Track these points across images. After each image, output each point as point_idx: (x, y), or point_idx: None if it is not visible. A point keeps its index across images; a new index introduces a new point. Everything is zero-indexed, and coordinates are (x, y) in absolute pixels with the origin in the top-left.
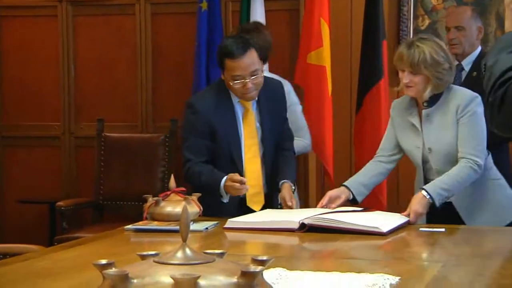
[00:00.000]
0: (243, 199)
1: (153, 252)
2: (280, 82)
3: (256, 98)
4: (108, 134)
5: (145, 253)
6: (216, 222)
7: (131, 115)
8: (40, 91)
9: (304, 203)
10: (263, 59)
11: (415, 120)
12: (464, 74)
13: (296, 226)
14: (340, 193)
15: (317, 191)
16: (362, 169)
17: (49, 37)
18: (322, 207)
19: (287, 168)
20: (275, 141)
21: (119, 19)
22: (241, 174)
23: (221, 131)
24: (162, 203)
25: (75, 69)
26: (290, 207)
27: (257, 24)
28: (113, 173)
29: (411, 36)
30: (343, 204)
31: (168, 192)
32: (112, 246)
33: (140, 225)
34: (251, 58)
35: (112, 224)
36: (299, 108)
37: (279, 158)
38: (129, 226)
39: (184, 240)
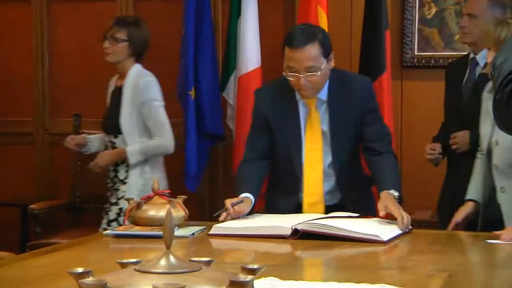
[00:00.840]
0: (299, 207)
1: (134, 260)
2: (369, 81)
3: (325, 98)
4: (86, 130)
5: (125, 260)
6: (203, 227)
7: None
8: (12, 83)
9: None
10: (326, 53)
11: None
12: (478, 70)
13: (288, 232)
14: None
15: None
16: None
17: (22, 25)
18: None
19: (384, 174)
20: (351, 147)
21: (98, 6)
22: (299, 180)
23: (279, 130)
24: (145, 206)
25: (50, 60)
26: (402, 223)
27: (137, 18)
28: (92, 173)
29: (416, 26)
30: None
31: (151, 195)
32: (90, 253)
33: (120, 230)
34: (311, 52)
35: (90, 229)
36: (157, 103)
37: (370, 165)
38: (109, 231)
39: (168, 246)
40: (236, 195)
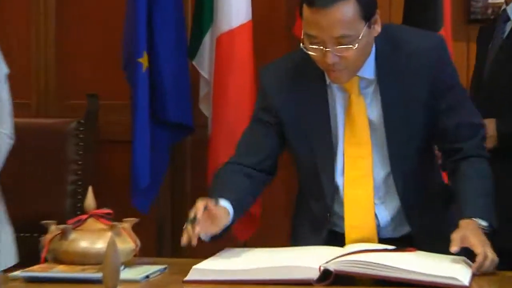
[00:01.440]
0: (337, 236)
1: None
2: (438, 40)
3: (372, 76)
4: None
5: None
6: (163, 266)
7: (21, 88)
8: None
9: None
10: (368, 14)
11: None
12: (509, 26)
13: (314, 275)
14: None
15: None
16: None
17: None
18: None
19: (470, 192)
20: (419, 148)
21: None
22: (331, 205)
23: (300, 132)
24: (73, 235)
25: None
26: (481, 265)
27: None
28: None
29: None
30: None
31: (84, 217)
32: None
33: (35, 271)
34: (343, 14)
35: None
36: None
37: (450, 176)
38: (17, 273)
39: None
40: None
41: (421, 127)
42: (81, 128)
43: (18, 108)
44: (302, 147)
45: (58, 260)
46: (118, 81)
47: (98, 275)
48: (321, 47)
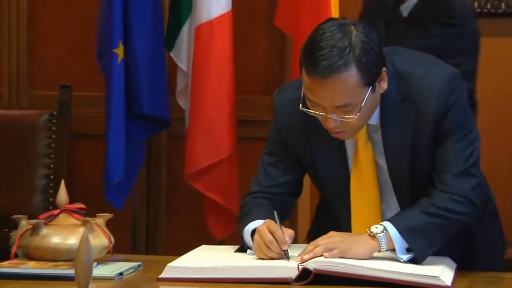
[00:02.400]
0: None
1: None
2: (446, 80)
3: (376, 122)
4: None
5: None
6: (137, 263)
7: None
8: None
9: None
10: (371, 78)
11: None
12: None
13: (292, 274)
14: None
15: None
16: None
17: None
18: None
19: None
20: (426, 181)
21: None
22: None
23: (311, 167)
24: (45, 230)
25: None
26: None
27: None
28: None
29: None
30: None
31: (55, 212)
32: None
33: (5, 266)
34: (342, 85)
35: None
36: None
37: None
38: None
39: None
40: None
41: (426, 167)
42: (54, 121)
43: None
44: (320, 184)
45: (29, 256)
46: (92, 72)
47: (71, 271)
48: (322, 114)
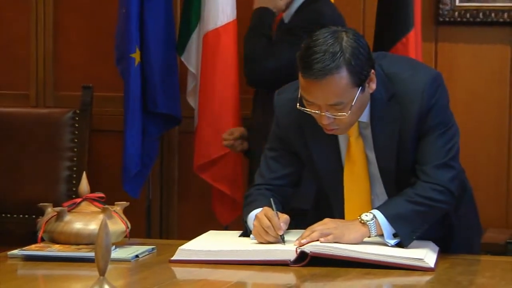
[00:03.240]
0: None
1: None
2: (428, 82)
3: (366, 119)
4: None
5: None
6: (151, 247)
7: (19, 80)
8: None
9: None
10: (360, 79)
11: None
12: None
13: (291, 257)
14: None
15: None
16: None
17: None
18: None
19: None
20: (403, 174)
21: None
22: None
23: (308, 161)
24: (68, 217)
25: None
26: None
27: None
28: None
29: None
30: None
31: (78, 200)
32: None
33: (32, 249)
34: (334, 86)
35: None
36: None
37: None
38: (15, 251)
39: (102, 273)
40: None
41: (410, 160)
42: (76, 118)
43: (18, 99)
44: (316, 178)
45: (53, 240)
46: (111, 75)
47: (91, 254)
48: (317, 112)
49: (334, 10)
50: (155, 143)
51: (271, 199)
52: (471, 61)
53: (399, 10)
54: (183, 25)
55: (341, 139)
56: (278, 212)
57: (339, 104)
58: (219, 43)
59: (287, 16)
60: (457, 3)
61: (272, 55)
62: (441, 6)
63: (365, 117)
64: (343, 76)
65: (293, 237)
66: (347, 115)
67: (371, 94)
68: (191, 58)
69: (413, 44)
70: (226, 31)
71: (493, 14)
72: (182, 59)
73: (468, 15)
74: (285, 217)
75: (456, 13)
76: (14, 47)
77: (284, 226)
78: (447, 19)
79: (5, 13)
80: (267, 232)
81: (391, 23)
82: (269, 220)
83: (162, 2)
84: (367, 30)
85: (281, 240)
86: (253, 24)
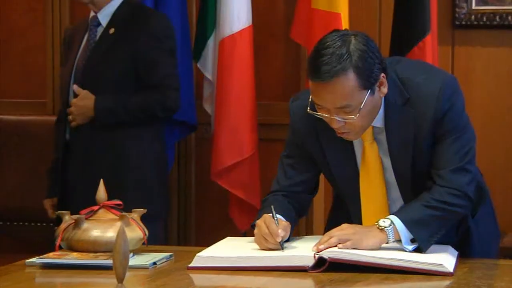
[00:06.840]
0: None
1: None
2: (442, 88)
3: (381, 124)
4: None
5: None
6: (169, 254)
7: (37, 88)
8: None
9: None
10: (369, 82)
11: None
12: (100, 31)
13: (309, 262)
14: None
15: (325, 210)
16: None
17: None
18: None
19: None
20: (419, 179)
21: None
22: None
23: (324, 167)
24: (86, 225)
25: None
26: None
27: None
28: (8, 177)
29: None
30: None
31: (95, 208)
32: None
33: (50, 257)
34: (341, 88)
35: (6, 255)
36: None
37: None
38: (33, 260)
39: (120, 280)
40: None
41: (426, 164)
42: None
43: (35, 107)
44: (333, 183)
45: (71, 247)
46: None
47: (109, 261)
48: (327, 115)
49: (166, 21)
50: (172, 150)
51: (272, 206)
52: (488, 64)
53: (416, 14)
54: (199, 31)
55: (356, 145)
56: (279, 219)
57: (347, 107)
58: (235, 49)
59: (104, 16)
60: (474, 7)
61: None
62: (457, 9)
63: (379, 122)
64: (350, 78)
65: (311, 242)
66: (355, 118)
67: (386, 99)
68: (207, 65)
69: (430, 48)
70: (242, 37)
71: (510, 17)
72: (198, 65)
73: (484, 19)
74: (283, 225)
75: (473, 17)
76: (31, 56)
77: (282, 233)
78: (463, 22)
79: (22, 22)
80: (266, 239)
81: (407, 28)
82: (267, 227)
83: (178, 8)
84: (383, 30)
85: (281, 247)
86: None
